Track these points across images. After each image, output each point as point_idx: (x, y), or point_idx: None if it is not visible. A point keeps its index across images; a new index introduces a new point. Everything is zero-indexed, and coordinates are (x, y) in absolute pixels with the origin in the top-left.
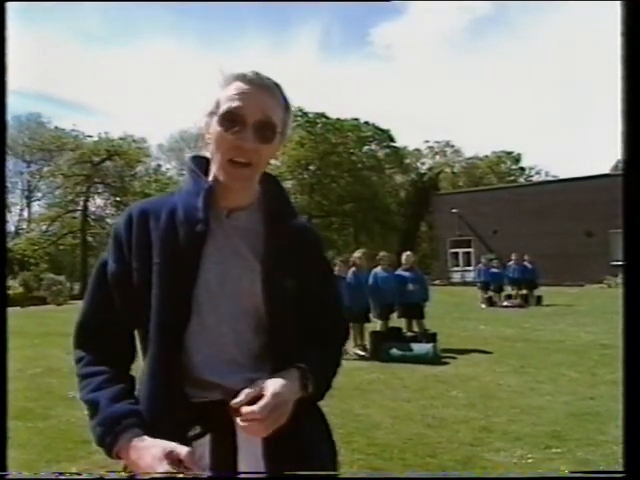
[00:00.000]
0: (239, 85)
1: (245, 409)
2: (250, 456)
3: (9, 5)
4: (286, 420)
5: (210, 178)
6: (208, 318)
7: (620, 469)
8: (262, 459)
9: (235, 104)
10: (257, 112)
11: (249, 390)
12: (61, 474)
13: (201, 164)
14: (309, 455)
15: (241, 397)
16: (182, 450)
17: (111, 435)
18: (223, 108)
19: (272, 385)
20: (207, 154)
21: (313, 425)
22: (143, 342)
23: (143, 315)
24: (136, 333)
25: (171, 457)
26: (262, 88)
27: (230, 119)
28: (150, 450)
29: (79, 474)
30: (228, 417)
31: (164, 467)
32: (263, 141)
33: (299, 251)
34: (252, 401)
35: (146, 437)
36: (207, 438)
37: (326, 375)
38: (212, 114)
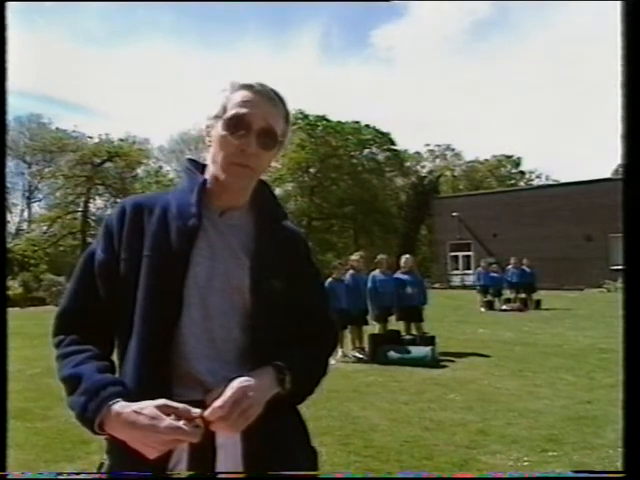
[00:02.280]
0: (246, 94)
1: (207, 411)
2: (229, 457)
3: (9, 5)
4: (265, 422)
5: (207, 178)
6: (196, 312)
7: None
8: (241, 460)
9: (242, 110)
10: (261, 120)
11: (213, 392)
12: (60, 474)
13: (197, 166)
14: (288, 459)
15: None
16: (174, 403)
17: (95, 401)
18: (230, 113)
19: (235, 381)
20: (207, 156)
21: (293, 430)
22: (123, 338)
23: (127, 308)
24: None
25: (167, 411)
26: (267, 98)
27: (235, 124)
28: (143, 411)
29: (77, 474)
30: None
31: (167, 422)
32: (265, 147)
33: (288, 252)
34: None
35: (132, 403)
36: None
37: (307, 375)
38: (217, 118)
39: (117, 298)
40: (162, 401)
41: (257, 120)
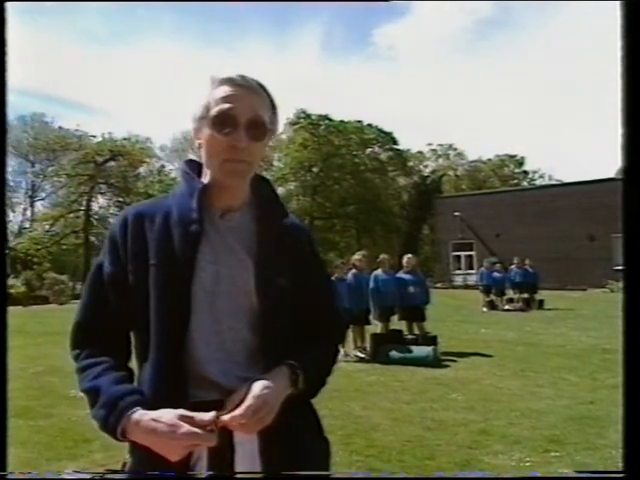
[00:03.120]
0: (227, 88)
1: (228, 416)
2: (246, 455)
3: (14, 6)
4: (280, 419)
5: (204, 181)
6: (205, 316)
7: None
8: (258, 458)
9: (226, 106)
10: (247, 111)
11: (234, 396)
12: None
13: (194, 167)
14: (304, 454)
15: (228, 408)
16: (190, 413)
17: (115, 413)
18: (214, 111)
19: (255, 387)
20: (198, 159)
21: (307, 425)
22: (139, 345)
23: (140, 317)
24: (132, 337)
25: (185, 420)
26: (249, 89)
27: (221, 121)
28: (162, 418)
29: (79, 472)
30: None
31: (185, 428)
32: (255, 139)
33: (291, 249)
34: (238, 404)
35: (149, 411)
36: None
37: (319, 372)
38: (202, 119)
39: (129, 308)
40: (179, 411)
41: (243, 113)
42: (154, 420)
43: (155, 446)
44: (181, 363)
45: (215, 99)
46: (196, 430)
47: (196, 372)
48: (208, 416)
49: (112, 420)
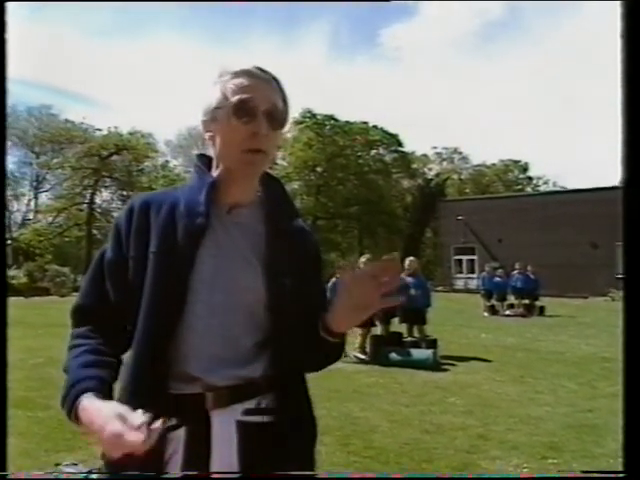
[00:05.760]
0: (245, 79)
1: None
2: (224, 451)
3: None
4: (263, 421)
5: (215, 175)
6: (200, 309)
7: None
8: (236, 454)
9: (246, 96)
10: (265, 102)
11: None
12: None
13: (205, 162)
14: (285, 456)
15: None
16: (128, 412)
17: (71, 394)
18: (234, 99)
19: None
20: (210, 152)
21: (290, 424)
22: (133, 332)
23: (135, 305)
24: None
25: (122, 419)
26: (266, 81)
27: (242, 110)
28: (102, 411)
29: (76, 464)
30: (204, 411)
31: (114, 426)
32: (274, 127)
33: (298, 251)
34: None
35: (98, 400)
36: (182, 431)
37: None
38: (218, 109)
39: (127, 295)
40: (121, 408)
41: (262, 102)
42: (97, 410)
43: (93, 437)
44: (165, 354)
45: (233, 89)
46: (121, 432)
47: (181, 364)
48: (138, 420)
49: (68, 400)
